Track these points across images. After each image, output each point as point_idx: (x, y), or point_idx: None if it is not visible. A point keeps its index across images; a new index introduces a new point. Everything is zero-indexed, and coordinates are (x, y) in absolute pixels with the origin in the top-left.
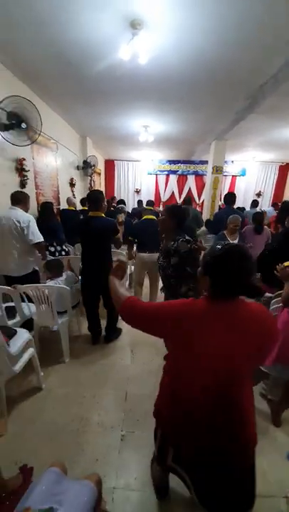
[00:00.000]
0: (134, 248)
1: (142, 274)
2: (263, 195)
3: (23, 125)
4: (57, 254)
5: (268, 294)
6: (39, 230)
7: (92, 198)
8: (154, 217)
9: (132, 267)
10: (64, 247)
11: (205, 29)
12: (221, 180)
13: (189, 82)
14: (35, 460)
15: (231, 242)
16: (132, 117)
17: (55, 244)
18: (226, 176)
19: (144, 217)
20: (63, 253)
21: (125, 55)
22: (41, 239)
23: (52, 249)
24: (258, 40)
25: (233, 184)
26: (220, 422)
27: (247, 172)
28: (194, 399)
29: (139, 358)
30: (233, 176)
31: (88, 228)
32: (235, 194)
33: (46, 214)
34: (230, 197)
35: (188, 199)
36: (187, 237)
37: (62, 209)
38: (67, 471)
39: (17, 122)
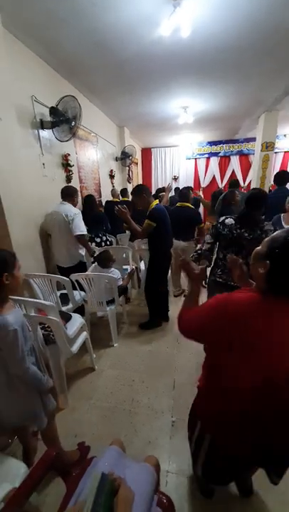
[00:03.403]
0: None
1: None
2: None
3: (73, 123)
4: (103, 244)
5: None
6: (84, 221)
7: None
8: (181, 204)
9: None
10: (108, 237)
11: None
12: (271, 158)
13: (238, 50)
14: (92, 434)
15: None
16: (171, 99)
17: (100, 234)
18: (276, 152)
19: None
20: (108, 243)
21: (166, 30)
22: (84, 232)
23: (98, 240)
24: None
25: (285, 161)
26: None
27: None
28: (248, 397)
29: (184, 347)
30: (285, 151)
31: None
32: (288, 172)
33: (89, 206)
34: (282, 176)
35: (233, 182)
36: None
37: (107, 200)
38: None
39: (63, 119)
